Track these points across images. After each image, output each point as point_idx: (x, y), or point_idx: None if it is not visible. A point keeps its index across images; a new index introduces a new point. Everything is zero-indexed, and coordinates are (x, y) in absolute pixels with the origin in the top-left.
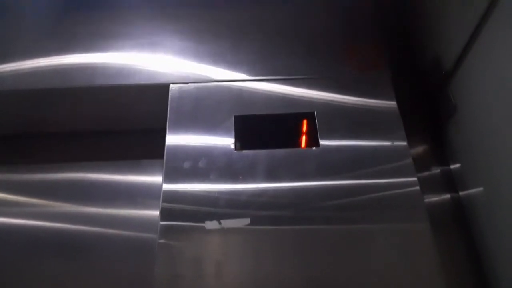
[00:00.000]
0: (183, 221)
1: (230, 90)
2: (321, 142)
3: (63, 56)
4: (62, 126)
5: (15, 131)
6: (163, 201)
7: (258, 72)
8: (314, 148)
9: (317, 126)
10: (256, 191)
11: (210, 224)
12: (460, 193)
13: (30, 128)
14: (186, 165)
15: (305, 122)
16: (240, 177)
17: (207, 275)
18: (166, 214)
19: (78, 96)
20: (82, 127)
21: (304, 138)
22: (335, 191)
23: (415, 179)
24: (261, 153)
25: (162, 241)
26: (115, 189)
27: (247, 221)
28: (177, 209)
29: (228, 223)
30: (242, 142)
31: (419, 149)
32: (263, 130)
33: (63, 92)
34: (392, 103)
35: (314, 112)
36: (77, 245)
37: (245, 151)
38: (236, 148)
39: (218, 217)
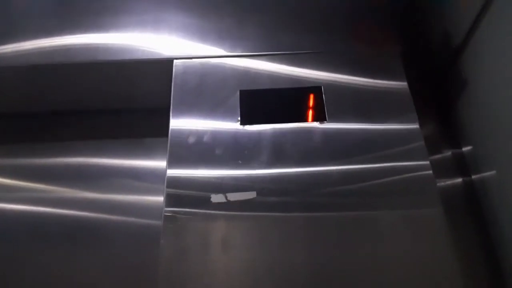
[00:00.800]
0: (187, 207)
1: (235, 65)
2: (329, 124)
3: (65, 33)
4: (64, 104)
5: (15, 110)
6: (168, 186)
7: (264, 47)
8: (320, 123)
9: (325, 102)
10: (262, 176)
11: (216, 198)
12: (473, 177)
13: (30, 107)
14: (191, 139)
15: (312, 96)
16: (246, 152)
17: (212, 262)
18: (170, 200)
19: (80, 72)
20: (85, 106)
21: (311, 112)
22: (343, 176)
23: (427, 162)
24: (267, 128)
25: (168, 213)
26: (118, 172)
27: (253, 194)
28: (182, 195)
29: (234, 196)
30: (248, 117)
31: (429, 131)
32: (269, 104)
33: (64, 68)
34: (403, 84)
35: (321, 86)
36: (79, 232)
37: (250, 126)
38: (241, 123)
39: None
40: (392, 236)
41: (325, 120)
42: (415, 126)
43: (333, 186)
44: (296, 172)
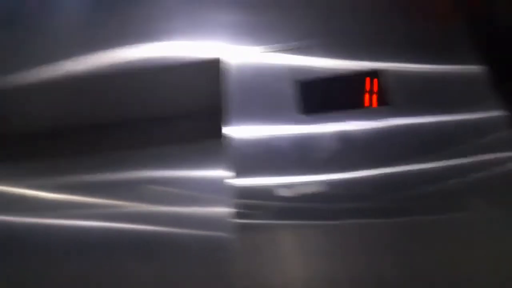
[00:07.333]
0: (257, 218)
1: (287, 57)
2: (398, 118)
3: (112, 44)
4: (116, 116)
5: (69, 124)
6: (234, 196)
7: (315, 35)
8: (387, 115)
9: (387, 87)
10: (332, 181)
11: (284, 191)
12: None
13: (84, 120)
14: (250, 141)
15: (371, 80)
16: (310, 142)
17: (287, 273)
18: (239, 210)
19: (128, 81)
20: (137, 115)
21: (371, 97)
22: (422, 176)
23: None
24: (329, 117)
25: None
26: (177, 183)
27: (322, 185)
28: (250, 204)
29: (301, 189)
30: (308, 107)
31: None
32: (327, 92)
33: (113, 78)
34: (477, 66)
35: (381, 70)
36: (145, 246)
37: (312, 116)
38: (301, 114)
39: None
40: (490, 240)
41: (388, 104)
42: (500, 113)
43: (412, 188)
44: (368, 175)
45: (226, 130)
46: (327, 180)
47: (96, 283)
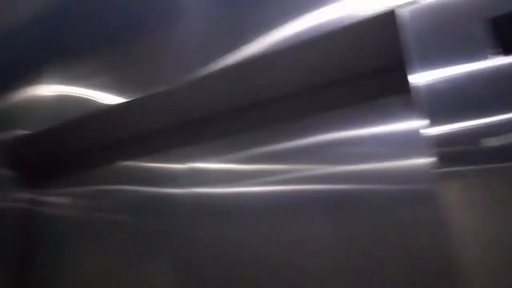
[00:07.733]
0: (457, 166)
1: None
2: None
3: (274, 25)
4: (298, 85)
5: (253, 101)
6: (432, 146)
7: None
8: None
9: None
10: None
11: (488, 141)
12: None
13: (265, 95)
14: (441, 83)
15: None
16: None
17: (493, 219)
18: (440, 159)
19: (308, 51)
20: (312, 82)
21: None
22: None
23: None
24: None
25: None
26: (363, 141)
27: None
28: (450, 152)
29: (504, 129)
30: (503, 44)
31: None
32: None
33: (285, 52)
34: None
35: None
36: (340, 204)
37: (508, 54)
38: (497, 52)
39: (497, 154)
40: None
41: None
42: None
43: None
44: None
45: (413, 79)
46: None
47: (292, 243)
